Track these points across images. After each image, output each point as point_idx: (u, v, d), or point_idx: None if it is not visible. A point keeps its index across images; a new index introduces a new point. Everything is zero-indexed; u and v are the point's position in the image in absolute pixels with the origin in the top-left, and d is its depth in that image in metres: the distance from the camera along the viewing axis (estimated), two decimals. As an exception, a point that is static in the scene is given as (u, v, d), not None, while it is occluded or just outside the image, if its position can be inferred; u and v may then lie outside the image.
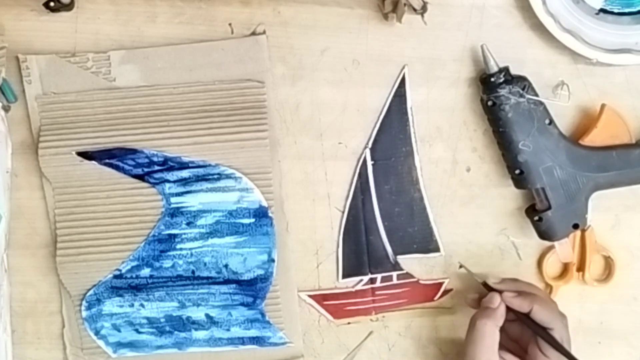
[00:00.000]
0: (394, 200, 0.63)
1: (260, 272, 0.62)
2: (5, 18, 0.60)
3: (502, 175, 0.63)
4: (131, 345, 0.63)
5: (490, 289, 0.60)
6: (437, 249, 0.63)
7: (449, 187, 0.63)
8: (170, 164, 0.61)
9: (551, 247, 0.63)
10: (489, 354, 0.57)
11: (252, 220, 0.61)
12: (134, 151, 0.60)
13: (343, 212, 0.63)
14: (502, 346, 0.57)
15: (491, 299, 0.58)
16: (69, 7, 0.59)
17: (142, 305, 0.62)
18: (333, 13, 0.61)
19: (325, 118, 0.62)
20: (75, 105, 0.60)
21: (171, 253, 0.62)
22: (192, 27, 0.60)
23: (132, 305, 0.62)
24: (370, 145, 0.62)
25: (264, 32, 0.60)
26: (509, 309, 0.58)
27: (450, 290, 0.64)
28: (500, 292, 0.58)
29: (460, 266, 0.63)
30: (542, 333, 0.57)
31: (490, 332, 0.57)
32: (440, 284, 0.64)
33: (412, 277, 0.64)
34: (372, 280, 0.63)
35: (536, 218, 0.61)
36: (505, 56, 0.60)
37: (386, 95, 0.62)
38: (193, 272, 0.62)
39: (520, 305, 0.57)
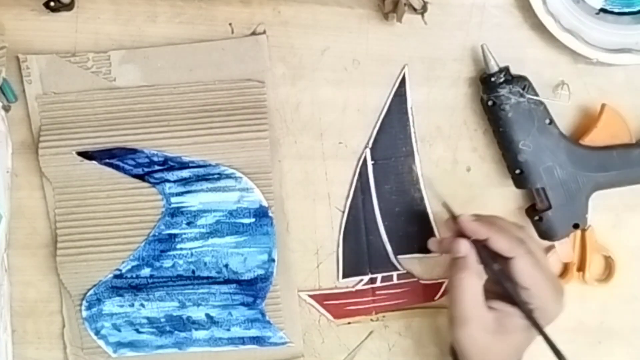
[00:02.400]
0: (394, 200, 0.63)
1: (261, 271, 0.62)
2: (5, 18, 0.60)
3: (503, 175, 0.63)
4: (131, 345, 0.63)
5: (452, 214, 0.56)
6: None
7: (449, 187, 0.63)
8: (170, 164, 0.61)
9: (551, 247, 0.63)
10: (473, 308, 0.52)
11: (253, 220, 0.61)
12: (134, 151, 0.60)
13: (343, 212, 0.63)
14: (489, 292, 0.54)
15: (458, 246, 0.54)
16: (69, 6, 0.59)
17: (142, 305, 0.62)
18: (333, 13, 0.61)
19: (326, 118, 0.62)
20: (76, 105, 0.60)
21: (171, 253, 0.62)
22: (193, 27, 0.60)
23: (132, 305, 0.62)
24: (370, 145, 0.62)
25: (264, 32, 0.61)
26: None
27: (451, 290, 0.64)
28: (458, 220, 0.55)
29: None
30: (507, 292, 0.53)
31: (468, 285, 0.52)
32: (441, 284, 0.64)
33: (413, 277, 0.64)
34: (373, 280, 0.63)
35: (536, 218, 0.61)
36: (506, 56, 0.60)
37: (386, 95, 0.62)
38: (193, 271, 0.62)
39: (477, 230, 0.53)
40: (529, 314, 0.53)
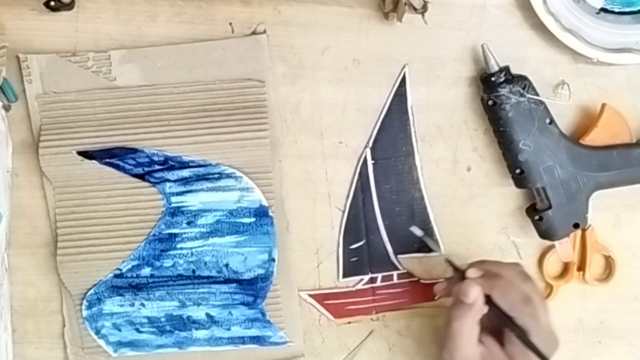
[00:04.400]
0: (395, 199, 0.63)
1: (261, 271, 0.62)
2: (5, 17, 0.60)
3: (503, 174, 0.63)
4: (132, 344, 0.63)
5: (456, 269, 0.56)
6: (437, 249, 0.63)
7: (449, 187, 0.63)
8: (170, 164, 0.61)
9: (552, 247, 0.63)
10: (468, 348, 0.53)
11: (253, 219, 0.61)
12: (134, 150, 0.60)
13: (343, 212, 0.63)
14: (482, 327, 0.54)
15: (466, 292, 0.53)
16: (69, 6, 0.59)
17: (142, 304, 0.62)
18: (333, 12, 0.61)
19: (326, 117, 0.62)
20: (76, 105, 0.60)
21: (172, 252, 0.62)
22: (193, 27, 0.60)
23: (132, 305, 0.62)
24: (370, 144, 0.62)
25: (265, 32, 0.60)
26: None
27: (451, 289, 0.64)
28: (464, 272, 0.55)
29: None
30: (506, 323, 0.53)
31: (468, 329, 0.53)
32: (441, 284, 0.64)
33: (413, 276, 0.64)
34: (373, 280, 0.63)
35: (537, 217, 0.61)
36: (506, 55, 0.60)
37: (387, 95, 0.62)
38: (193, 271, 0.62)
39: (482, 287, 0.53)
40: (524, 339, 0.53)
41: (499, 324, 0.54)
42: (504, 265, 0.56)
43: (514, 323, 0.53)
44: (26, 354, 0.64)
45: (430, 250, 0.63)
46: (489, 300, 0.53)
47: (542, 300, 0.55)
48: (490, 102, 0.59)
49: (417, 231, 0.61)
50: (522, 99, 0.59)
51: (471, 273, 0.54)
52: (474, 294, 0.53)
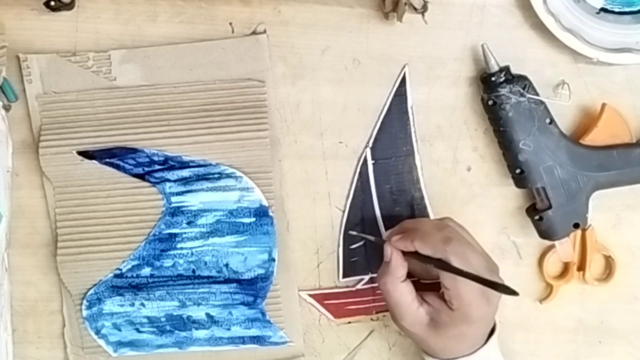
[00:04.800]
0: (395, 199, 0.63)
1: (261, 271, 0.62)
2: (5, 17, 0.60)
3: (503, 174, 0.63)
4: (132, 344, 0.63)
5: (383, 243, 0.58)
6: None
7: (449, 187, 0.63)
8: (170, 163, 0.61)
9: (552, 247, 0.63)
10: (403, 307, 0.56)
11: (253, 219, 0.61)
12: (134, 150, 0.60)
13: (343, 212, 0.63)
14: (424, 286, 0.57)
15: (385, 251, 0.57)
16: (69, 6, 0.59)
17: (142, 304, 0.62)
18: (333, 12, 0.61)
19: (326, 117, 0.62)
20: (76, 105, 0.60)
21: (172, 252, 0.62)
22: (193, 27, 0.60)
23: (132, 305, 0.62)
24: (370, 144, 0.62)
25: (265, 32, 0.60)
26: (410, 253, 0.56)
27: (451, 289, 0.64)
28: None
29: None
30: (433, 263, 0.54)
31: (392, 288, 0.56)
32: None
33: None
34: (373, 280, 0.63)
35: (537, 217, 0.61)
36: (506, 55, 0.60)
37: (387, 95, 0.62)
38: (193, 271, 0.62)
39: (405, 245, 0.56)
40: (449, 268, 0.53)
41: (432, 271, 0.55)
42: (419, 220, 0.61)
43: (442, 262, 0.54)
44: (26, 353, 0.64)
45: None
46: (417, 255, 0.55)
47: (464, 239, 0.57)
48: (490, 102, 0.59)
49: (353, 233, 0.63)
50: (522, 98, 0.59)
51: (391, 237, 0.57)
52: (388, 250, 0.57)
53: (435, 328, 0.56)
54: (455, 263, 0.53)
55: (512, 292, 0.49)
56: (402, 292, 0.56)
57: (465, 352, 0.56)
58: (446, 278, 0.54)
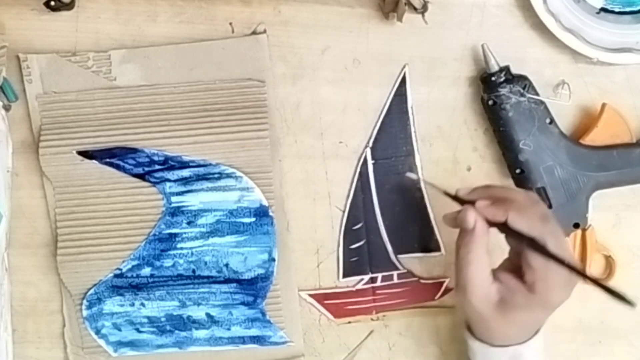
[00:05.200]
0: (395, 199, 0.63)
1: (261, 271, 0.62)
2: (5, 17, 0.60)
3: (503, 174, 0.63)
4: (132, 344, 0.63)
5: (463, 202, 0.54)
6: (438, 248, 0.63)
7: (449, 187, 0.63)
8: (170, 163, 0.61)
9: (552, 247, 0.63)
10: (478, 280, 0.52)
11: (253, 219, 0.61)
12: (134, 150, 0.60)
13: (344, 212, 0.63)
14: (499, 268, 0.53)
15: (465, 217, 0.52)
16: (69, 6, 0.59)
17: (142, 304, 0.62)
18: (333, 12, 0.61)
19: (326, 117, 0.62)
20: (76, 105, 0.60)
21: (172, 252, 0.62)
22: (193, 27, 0.60)
23: (132, 305, 0.62)
24: (370, 144, 0.62)
25: (265, 32, 0.60)
26: (495, 224, 0.52)
27: (451, 289, 0.64)
28: (473, 203, 0.53)
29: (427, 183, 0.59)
30: (525, 241, 0.51)
31: (474, 258, 0.52)
32: (441, 283, 0.64)
33: (413, 276, 0.64)
34: (373, 280, 0.63)
35: (537, 217, 0.61)
36: (506, 55, 0.60)
37: (387, 95, 0.62)
38: (194, 271, 0.62)
39: (495, 214, 0.52)
40: (547, 253, 0.50)
41: (516, 250, 0.52)
42: (512, 190, 0.55)
43: (536, 242, 0.50)
44: (26, 353, 0.64)
45: (430, 250, 0.63)
46: (505, 226, 0.52)
47: (556, 224, 0.52)
48: (490, 102, 0.59)
49: (413, 175, 0.60)
50: (522, 98, 0.59)
51: (480, 203, 0.53)
52: (471, 217, 0.52)
53: (504, 310, 0.52)
54: (551, 245, 0.50)
55: (614, 292, 0.47)
56: (482, 266, 0.52)
57: (519, 339, 0.53)
58: (536, 258, 0.50)
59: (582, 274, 0.50)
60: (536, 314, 0.53)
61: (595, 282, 0.49)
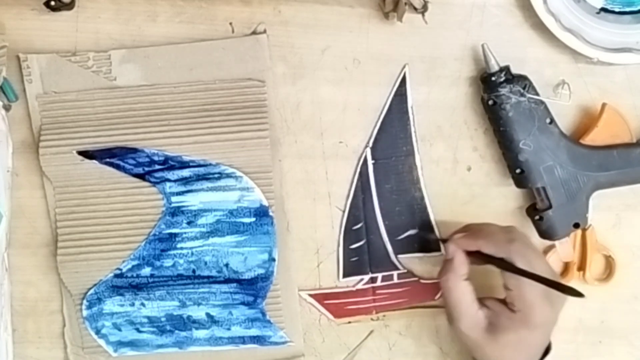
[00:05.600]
0: (395, 199, 0.63)
1: (261, 271, 0.62)
2: (5, 17, 0.60)
3: (503, 174, 0.63)
4: (132, 344, 0.63)
5: (445, 241, 0.59)
6: (438, 248, 0.63)
7: (449, 187, 0.63)
8: (171, 163, 0.61)
9: (552, 247, 0.63)
10: (462, 307, 0.55)
11: (253, 219, 0.61)
12: (134, 150, 0.60)
13: (344, 211, 0.63)
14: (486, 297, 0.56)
15: (446, 249, 0.57)
16: (69, 6, 0.59)
17: (142, 304, 0.62)
18: (334, 12, 0.61)
19: (326, 117, 0.62)
20: (76, 105, 0.60)
21: (172, 252, 0.62)
22: (193, 26, 0.60)
23: (132, 305, 0.62)
24: (371, 144, 0.62)
25: (265, 31, 0.60)
26: (473, 254, 0.56)
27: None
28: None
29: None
30: (496, 263, 0.54)
31: (453, 285, 0.55)
32: (441, 283, 0.64)
33: (413, 276, 0.64)
34: (373, 280, 0.63)
35: (537, 217, 0.61)
36: (506, 55, 0.60)
37: (387, 94, 0.62)
38: (194, 271, 0.62)
39: (467, 244, 0.56)
40: (514, 269, 0.53)
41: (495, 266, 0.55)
42: (485, 223, 0.59)
43: (506, 262, 0.54)
44: (26, 353, 0.64)
45: (430, 250, 0.63)
46: (480, 255, 0.56)
47: (529, 241, 0.57)
48: (490, 102, 0.59)
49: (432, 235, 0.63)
50: (522, 98, 0.59)
51: (455, 236, 0.58)
52: (450, 248, 0.57)
53: (494, 333, 0.54)
54: (519, 263, 0.53)
55: (578, 294, 0.48)
56: (463, 292, 0.55)
57: None
58: (509, 278, 0.54)
59: (547, 282, 0.51)
60: (522, 334, 0.54)
61: (552, 283, 0.51)
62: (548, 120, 0.59)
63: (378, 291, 0.63)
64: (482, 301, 0.56)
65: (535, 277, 0.52)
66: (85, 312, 0.62)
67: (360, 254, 0.63)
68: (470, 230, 0.58)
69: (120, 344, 0.63)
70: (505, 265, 0.54)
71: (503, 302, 0.55)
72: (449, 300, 0.56)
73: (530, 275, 0.52)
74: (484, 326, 0.55)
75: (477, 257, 0.56)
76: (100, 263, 0.61)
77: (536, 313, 0.53)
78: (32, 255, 0.62)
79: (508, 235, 0.56)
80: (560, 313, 0.56)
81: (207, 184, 0.61)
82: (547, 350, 0.56)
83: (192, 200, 0.61)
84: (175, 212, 0.61)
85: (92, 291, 0.62)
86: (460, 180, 0.63)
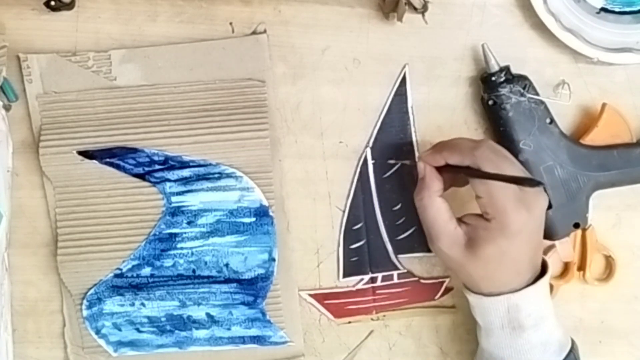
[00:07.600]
0: (395, 199, 0.63)
1: (261, 271, 0.62)
2: (6, 17, 0.60)
3: (503, 174, 0.63)
4: (132, 344, 0.63)
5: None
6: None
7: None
8: (171, 163, 0.61)
9: (552, 246, 0.63)
10: (439, 224, 0.55)
11: (253, 219, 0.61)
12: (134, 150, 0.60)
13: (344, 211, 0.63)
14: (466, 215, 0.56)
15: (418, 168, 0.57)
16: (69, 6, 0.59)
17: (142, 304, 0.62)
18: (334, 12, 0.61)
19: (326, 117, 0.62)
20: (76, 105, 0.60)
21: (172, 252, 0.62)
22: (193, 26, 0.60)
23: (132, 305, 0.62)
24: (371, 144, 0.62)
25: (265, 31, 0.61)
26: (443, 169, 0.56)
27: (451, 289, 0.64)
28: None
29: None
30: (463, 172, 0.54)
31: (428, 203, 0.55)
32: (441, 283, 0.64)
33: (413, 276, 0.64)
34: (373, 280, 0.63)
35: (537, 217, 0.61)
36: (506, 55, 0.60)
37: (387, 94, 0.62)
38: (194, 271, 0.62)
39: (434, 158, 0.56)
40: (480, 174, 0.53)
41: (465, 179, 0.55)
42: (456, 138, 0.58)
43: (472, 169, 0.53)
44: (26, 353, 0.64)
45: (430, 250, 0.63)
46: (449, 168, 0.55)
47: (497, 147, 0.55)
48: (490, 102, 0.59)
49: (391, 161, 0.62)
50: (522, 98, 0.59)
51: (423, 153, 0.58)
52: (421, 166, 0.57)
53: (473, 249, 0.53)
54: (486, 168, 0.52)
55: (538, 183, 0.48)
56: (438, 208, 0.55)
57: (509, 285, 0.54)
58: (477, 185, 0.53)
59: (506, 179, 0.51)
60: (502, 244, 0.52)
61: (510, 179, 0.51)
62: (548, 120, 0.59)
63: (378, 291, 0.63)
64: (460, 219, 0.56)
65: (498, 177, 0.51)
66: (85, 312, 0.62)
67: (360, 254, 0.63)
68: (438, 145, 0.58)
69: (120, 344, 0.63)
70: (473, 172, 0.53)
71: (480, 215, 0.54)
72: (426, 218, 0.56)
73: (494, 176, 0.51)
74: (463, 243, 0.54)
75: (447, 170, 0.55)
76: (100, 263, 0.61)
77: (510, 218, 0.52)
78: (32, 255, 0.62)
79: (473, 143, 0.55)
80: (541, 220, 0.54)
81: (207, 184, 0.61)
82: (544, 272, 0.55)
83: (192, 200, 0.61)
84: (175, 212, 0.61)
85: (92, 291, 0.62)
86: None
